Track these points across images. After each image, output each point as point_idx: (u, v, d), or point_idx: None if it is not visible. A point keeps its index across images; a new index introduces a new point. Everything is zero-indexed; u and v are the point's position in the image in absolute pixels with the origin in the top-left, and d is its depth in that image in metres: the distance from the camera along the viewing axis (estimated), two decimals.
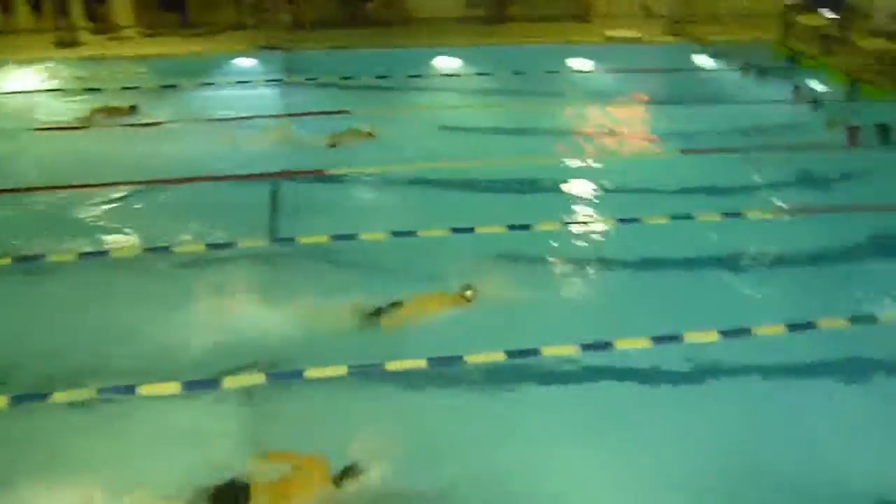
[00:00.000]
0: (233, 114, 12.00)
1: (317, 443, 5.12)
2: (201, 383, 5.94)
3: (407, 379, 6.13)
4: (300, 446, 5.13)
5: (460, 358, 6.25)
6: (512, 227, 8.37)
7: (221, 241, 8.14)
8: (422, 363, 6.18)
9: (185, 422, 5.72)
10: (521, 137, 11.76)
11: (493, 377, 6.28)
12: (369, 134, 11.02)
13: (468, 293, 6.93)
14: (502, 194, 10.03)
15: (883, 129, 8.54)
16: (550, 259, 8.39)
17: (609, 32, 16.62)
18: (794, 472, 5.41)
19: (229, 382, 5.97)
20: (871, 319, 7.09)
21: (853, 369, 6.64)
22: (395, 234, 8.32)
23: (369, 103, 12.79)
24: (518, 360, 6.31)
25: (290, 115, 12.01)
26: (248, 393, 5.99)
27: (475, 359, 6.26)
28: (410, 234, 8.32)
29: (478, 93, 13.88)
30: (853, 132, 8.81)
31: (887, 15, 13.84)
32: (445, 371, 6.26)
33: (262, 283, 7.47)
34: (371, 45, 15.53)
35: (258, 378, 6.04)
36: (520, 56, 15.20)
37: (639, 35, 16.47)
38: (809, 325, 6.79)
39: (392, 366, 6.13)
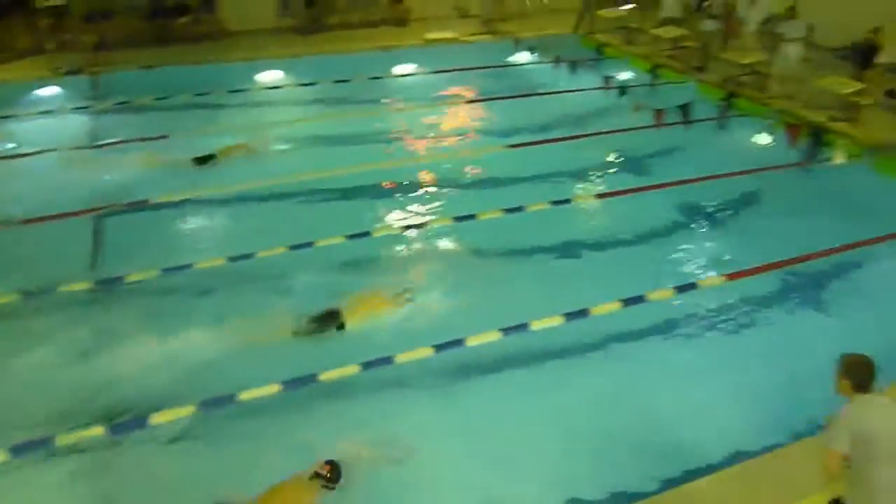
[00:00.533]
0: (32, 148, 10.91)
1: None
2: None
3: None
4: None
5: (313, 376, 6.10)
6: (351, 237, 8.26)
7: (36, 289, 7.38)
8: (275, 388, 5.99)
9: None
10: (350, 146, 11.70)
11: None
12: (201, 159, 10.50)
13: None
14: (339, 203, 9.97)
15: (683, 108, 9.31)
16: (388, 265, 8.44)
17: (428, 35, 16.93)
18: (638, 431, 5.94)
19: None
20: (692, 287, 7.69)
21: (681, 332, 7.25)
22: (233, 259, 7.96)
23: (189, 123, 12.16)
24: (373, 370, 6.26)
25: (99, 144, 11.19)
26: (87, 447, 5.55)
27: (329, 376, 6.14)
28: (248, 256, 7.98)
29: (303, 104, 13.62)
30: (658, 113, 9.53)
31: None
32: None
33: (83, 332, 6.90)
34: (185, 62, 14.72)
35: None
36: (341, 64, 15.05)
37: (455, 35, 16.91)
38: (641, 299, 7.23)
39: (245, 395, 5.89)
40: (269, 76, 14.80)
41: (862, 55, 13.02)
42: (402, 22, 18.16)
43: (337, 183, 10.15)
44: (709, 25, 14.82)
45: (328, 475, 5.14)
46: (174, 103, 12.96)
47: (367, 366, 6.19)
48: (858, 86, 12.35)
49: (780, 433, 5.78)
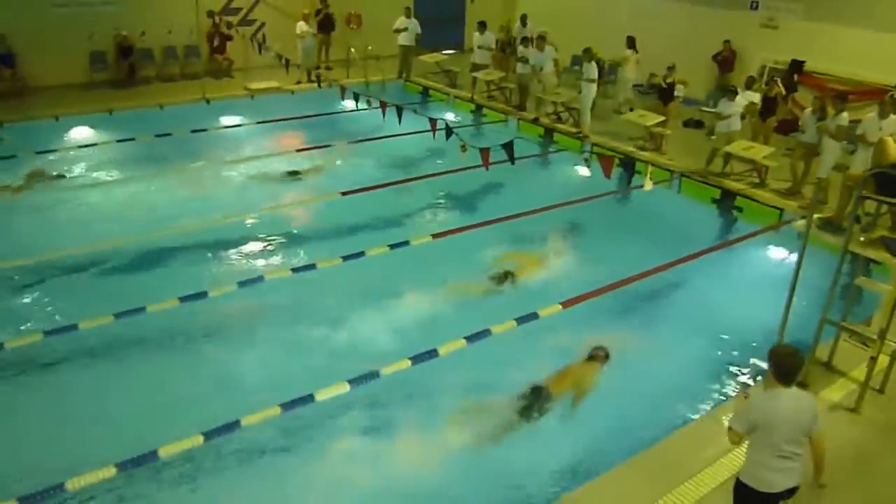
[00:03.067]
0: None
1: None
2: None
3: None
4: None
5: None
6: (184, 299, 7.84)
7: None
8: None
9: None
10: (176, 203, 11.15)
11: None
12: None
13: None
14: (172, 264, 9.48)
15: (506, 147, 9.76)
16: (228, 322, 8.13)
17: (251, 85, 16.69)
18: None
19: None
20: (534, 317, 8.00)
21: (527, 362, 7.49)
22: (51, 332, 7.29)
23: None
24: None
25: None
26: None
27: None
28: (71, 328, 7.35)
29: (118, 162, 12.82)
30: (484, 153, 9.92)
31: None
32: None
33: None
34: None
35: None
36: (161, 117, 14.46)
37: (279, 84, 16.80)
38: (487, 333, 7.41)
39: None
40: (82, 133, 13.91)
41: (662, 91, 14.44)
42: (224, 73, 17.78)
43: (167, 242, 9.67)
44: (522, 69, 15.78)
45: (606, 355, 7.35)
46: None
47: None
48: (660, 118, 13.66)
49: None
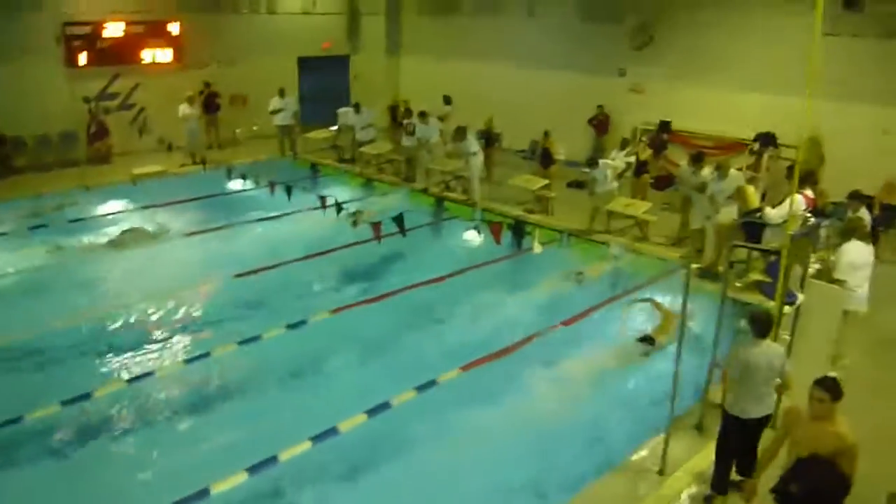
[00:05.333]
0: None
1: None
2: None
3: None
4: None
5: None
6: (65, 403, 7.37)
7: None
8: None
9: None
10: (54, 296, 10.52)
11: None
12: None
13: None
14: (50, 365, 8.88)
15: (397, 220, 9.89)
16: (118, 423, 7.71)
17: (135, 170, 16.20)
18: None
19: None
20: (433, 384, 7.99)
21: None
22: None
23: None
24: None
25: None
26: None
27: None
28: None
29: None
30: (376, 227, 10.00)
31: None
32: None
33: None
34: None
35: None
36: (37, 208, 13.78)
37: (164, 168, 16.41)
38: (386, 406, 7.36)
39: None
40: None
41: (542, 156, 15.11)
42: (104, 159, 17.21)
43: (46, 341, 9.10)
44: (408, 142, 16.18)
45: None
46: None
47: None
48: (545, 181, 14.25)
49: None
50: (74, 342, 9.26)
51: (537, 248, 10.26)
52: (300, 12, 21.28)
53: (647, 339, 9.11)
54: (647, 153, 14.10)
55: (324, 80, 21.80)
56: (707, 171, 11.31)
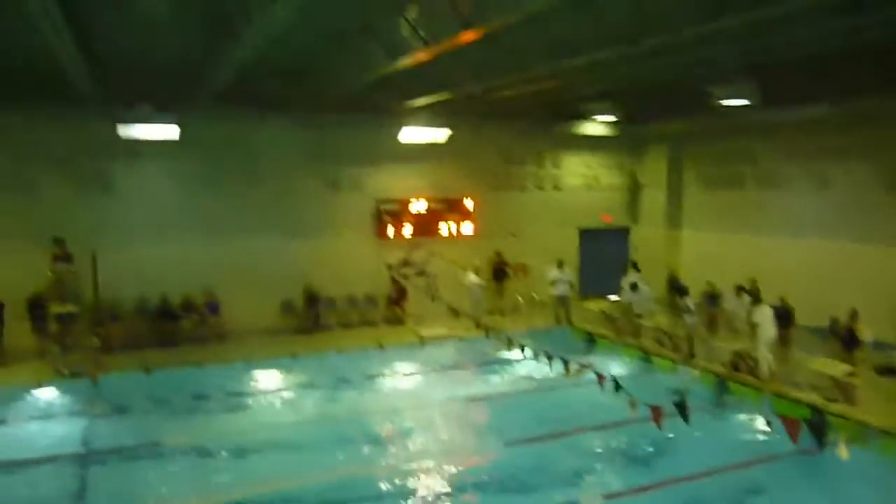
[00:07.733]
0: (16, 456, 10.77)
1: None
2: None
3: None
4: None
5: None
6: None
7: None
8: None
9: None
10: (348, 446, 11.37)
11: None
12: None
13: None
14: None
15: (680, 406, 9.27)
16: None
17: (422, 332, 17.54)
18: None
19: None
20: None
21: None
22: None
23: (184, 428, 12.05)
24: None
25: (87, 452, 11.02)
26: None
27: None
28: None
29: (300, 404, 13.58)
30: (655, 409, 9.47)
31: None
32: None
33: None
34: (185, 363, 14.97)
35: None
36: (340, 362, 15.42)
37: (448, 332, 17.54)
38: None
39: None
40: (268, 376, 15.02)
41: (847, 337, 13.51)
42: (398, 320, 18.97)
43: (337, 490, 9.75)
44: (688, 319, 15.56)
45: None
46: (169, 408, 13.01)
47: None
48: (849, 367, 12.57)
49: None
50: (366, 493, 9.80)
51: (844, 454, 8.77)
52: (583, 186, 22.37)
53: None
54: None
55: (603, 251, 22.29)
56: None
